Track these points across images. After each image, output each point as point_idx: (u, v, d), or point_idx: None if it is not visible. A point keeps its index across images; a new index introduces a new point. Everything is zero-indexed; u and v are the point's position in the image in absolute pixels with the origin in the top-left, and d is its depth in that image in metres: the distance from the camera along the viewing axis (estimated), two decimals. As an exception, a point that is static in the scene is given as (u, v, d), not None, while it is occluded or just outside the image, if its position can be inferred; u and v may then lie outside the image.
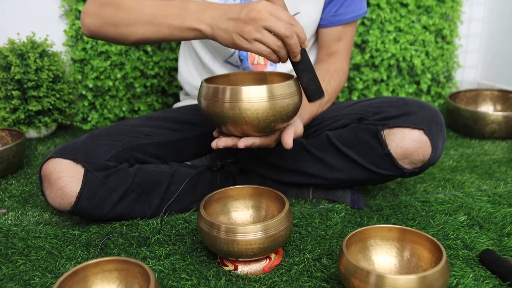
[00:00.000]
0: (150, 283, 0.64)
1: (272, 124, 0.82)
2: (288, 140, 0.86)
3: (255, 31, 0.76)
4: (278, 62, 0.81)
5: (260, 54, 0.79)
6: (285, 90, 0.81)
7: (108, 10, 0.90)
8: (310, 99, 0.85)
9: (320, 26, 1.09)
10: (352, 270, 0.66)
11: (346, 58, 1.12)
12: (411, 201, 1.07)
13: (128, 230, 0.95)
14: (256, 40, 0.77)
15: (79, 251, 0.88)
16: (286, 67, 1.12)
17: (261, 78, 0.94)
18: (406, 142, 0.90)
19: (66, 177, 0.90)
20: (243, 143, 0.84)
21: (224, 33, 0.80)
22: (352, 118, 0.99)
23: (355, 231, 0.74)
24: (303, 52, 0.81)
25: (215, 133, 0.90)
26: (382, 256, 0.76)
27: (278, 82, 0.89)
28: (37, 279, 0.80)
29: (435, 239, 0.70)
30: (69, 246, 0.91)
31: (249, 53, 1.08)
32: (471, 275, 0.78)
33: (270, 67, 1.10)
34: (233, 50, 1.08)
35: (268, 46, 0.77)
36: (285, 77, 0.89)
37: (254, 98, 0.78)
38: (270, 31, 0.76)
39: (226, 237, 0.76)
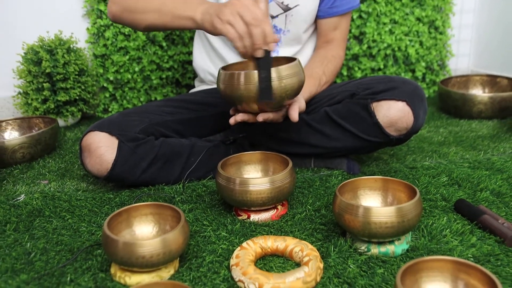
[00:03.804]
0: (181, 220, 0.79)
1: (282, 100, 0.98)
2: (294, 114, 1.02)
3: (230, 14, 0.89)
4: (244, 51, 0.91)
5: (228, 36, 0.90)
6: (291, 70, 0.96)
7: (128, 0, 1.11)
8: (259, 97, 0.94)
9: (318, 17, 1.25)
10: (344, 208, 0.81)
11: (342, 45, 1.28)
12: (401, 168, 1.22)
13: (155, 192, 1.11)
14: (228, 23, 0.89)
15: (115, 209, 1.05)
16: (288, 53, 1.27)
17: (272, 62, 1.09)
18: (392, 112, 1.05)
19: (103, 147, 1.06)
20: (261, 117, 1.01)
21: (208, 16, 0.94)
22: (346, 95, 1.14)
23: (347, 181, 0.89)
24: (267, 53, 0.91)
25: (231, 111, 1.06)
26: (370, 202, 0.91)
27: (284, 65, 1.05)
28: (84, 228, 0.96)
29: (412, 185, 0.85)
30: (106, 205, 1.07)
31: None
32: (445, 218, 0.93)
33: (273, 54, 1.26)
34: None
35: (236, 30, 0.89)
36: (291, 60, 1.04)
37: None
38: (241, 17, 0.88)
39: (240, 188, 0.92)
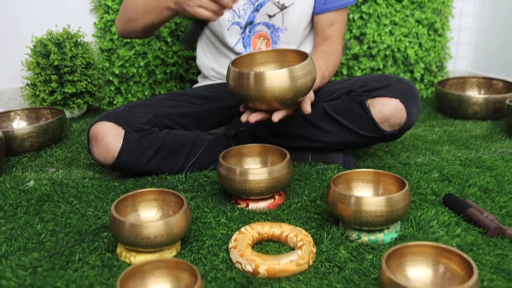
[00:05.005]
0: (183, 205, 0.85)
1: (297, 98, 0.98)
2: (307, 107, 1.04)
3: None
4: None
5: (201, 16, 1.00)
6: (305, 69, 0.95)
7: (123, 14, 1.23)
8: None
9: (314, 13, 1.30)
10: (338, 197, 0.86)
11: (340, 41, 1.33)
12: (394, 164, 1.27)
13: (159, 181, 1.16)
14: (197, 6, 1.00)
15: (120, 196, 1.09)
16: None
17: (281, 55, 1.08)
18: (386, 109, 1.10)
19: (110, 136, 1.11)
20: (276, 117, 1.01)
21: (180, 5, 1.03)
22: (343, 92, 1.19)
23: (341, 173, 0.94)
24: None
25: (241, 108, 1.06)
26: (362, 194, 0.96)
27: (295, 60, 1.04)
28: (91, 213, 1.01)
29: (402, 178, 0.90)
30: (112, 192, 1.12)
31: (251, 41, 1.30)
32: (433, 210, 0.98)
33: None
34: (238, 38, 1.31)
35: (207, 9, 1.00)
36: (301, 54, 1.03)
37: (278, 81, 0.92)
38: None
39: (240, 178, 0.97)
